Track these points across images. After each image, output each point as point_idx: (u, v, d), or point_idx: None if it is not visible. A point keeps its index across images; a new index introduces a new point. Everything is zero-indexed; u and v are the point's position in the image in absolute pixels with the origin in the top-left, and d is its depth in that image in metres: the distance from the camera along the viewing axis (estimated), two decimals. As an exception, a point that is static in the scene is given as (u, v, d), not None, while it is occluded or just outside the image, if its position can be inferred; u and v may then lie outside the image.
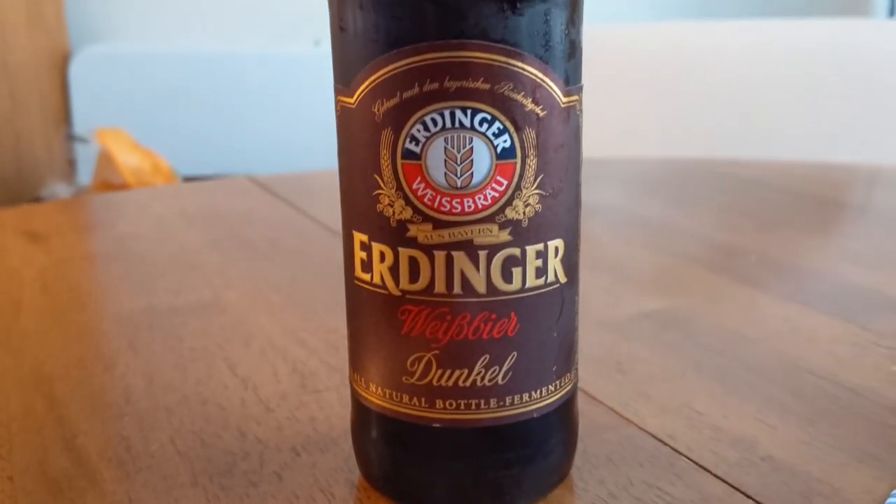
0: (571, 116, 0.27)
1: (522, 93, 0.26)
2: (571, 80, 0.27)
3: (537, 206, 0.27)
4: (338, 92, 0.27)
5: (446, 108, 0.25)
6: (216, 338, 0.44)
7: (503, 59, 0.25)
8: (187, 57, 1.70)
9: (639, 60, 1.26)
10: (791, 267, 0.55)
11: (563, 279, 0.28)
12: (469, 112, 0.25)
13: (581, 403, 0.33)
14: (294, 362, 0.41)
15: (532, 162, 0.26)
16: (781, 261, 0.56)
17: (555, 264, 0.28)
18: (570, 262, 0.28)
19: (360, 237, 0.28)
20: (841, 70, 1.18)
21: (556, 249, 0.27)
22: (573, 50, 0.27)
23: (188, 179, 1.51)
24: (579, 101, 0.28)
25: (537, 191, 0.26)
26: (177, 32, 1.75)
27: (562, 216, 0.27)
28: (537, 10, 0.25)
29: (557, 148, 0.27)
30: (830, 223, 0.67)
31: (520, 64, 0.25)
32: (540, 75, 0.26)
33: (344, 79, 0.27)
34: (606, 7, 1.52)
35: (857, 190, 0.79)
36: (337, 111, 0.28)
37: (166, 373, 0.40)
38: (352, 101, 0.27)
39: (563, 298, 0.28)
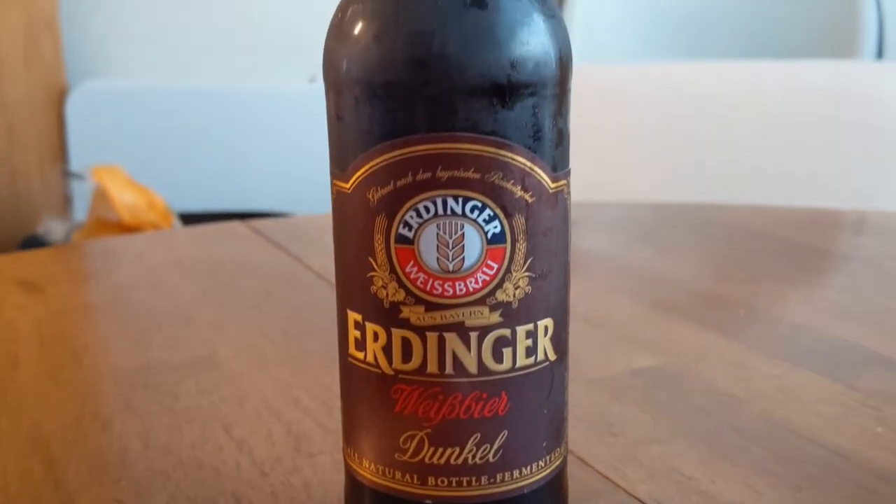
0: (559, 201, 0.28)
1: (512, 181, 0.26)
2: (559, 167, 0.28)
3: (527, 287, 0.27)
4: (334, 176, 0.28)
5: (438, 196, 0.26)
6: (211, 396, 0.44)
7: (493, 150, 0.26)
8: (183, 92, 1.71)
9: (625, 100, 1.27)
10: (779, 321, 0.56)
11: (552, 357, 0.29)
12: (460, 200, 0.26)
13: (572, 468, 0.34)
14: (289, 423, 0.41)
15: (522, 246, 0.27)
16: (770, 314, 0.57)
17: (544, 343, 0.28)
18: (560, 340, 0.29)
19: (354, 316, 0.28)
20: (829, 112, 1.20)
21: (546, 328, 0.28)
22: (560, 138, 0.28)
23: (184, 215, 1.52)
24: (567, 184, 0.28)
25: (527, 273, 0.27)
26: (173, 68, 1.76)
27: (551, 296, 0.28)
28: (526, 103, 0.26)
29: (546, 231, 0.28)
30: (818, 273, 0.68)
31: (509, 154, 0.26)
32: (529, 164, 0.27)
33: (340, 165, 0.28)
34: (593, 44, 1.54)
35: (845, 237, 0.80)
36: (333, 195, 0.28)
37: (162, 434, 0.40)
38: (347, 186, 0.27)
39: (553, 375, 0.29)
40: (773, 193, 1.19)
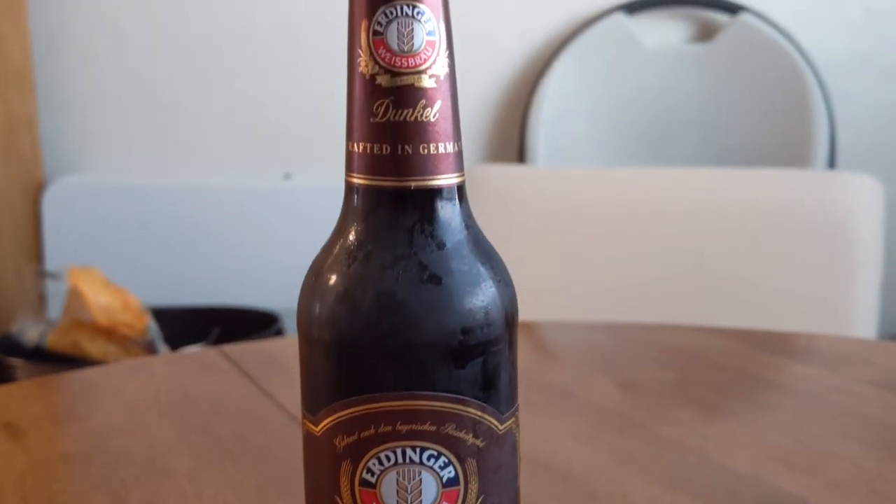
0: (508, 438, 0.31)
1: (465, 430, 0.30)
2: (507, 407, 0.31)
3: (479, 520, 0.30)
4: (305, 417, 0.31)
5: (398, 446, 0.29)
6: (187, 566, 0.46)
7: (448, 405, 0.29)
8: (159, 189, 1.75)
9: (582, 205, 1.32)
10: (726, 470, 0.59)
11: (502, 577, 0.32)
12: (418, 450, 0.29)
13: None
14: None
15: (474, 486, 0.30)
16: (718, 462, 0.60)
17: (495, 566, 0.31)
18: (510, 560, 0.32)
19: (323, 543, 0.31)
20: (782, 221, 1.25)
21: (497, 553, 0.31)
22: (509, 381, 0.31)
23: (159, 310, 1.54)
24: (515, 420, 0.32)
25: (479, 507, 0.30)
26: (150, 165, 1.80)
27: (501, 523, 0.31)
28: (476, 362, 0.30)
29: (496, 469, 0.31)
30: (766, 410, 0.72)
31: (462, 407, 0.30)
32: (479, 413, 0.30)
33: (310, 408, 0.31)
34: (555, 148, 1.60)
35: (794, 368, 0.84)
36: (304, 433, 0.32)
37: None
38: (317, 430, 0.31)
39: None
40: (728, 302, 1.23)
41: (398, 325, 0.29)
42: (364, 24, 0.29)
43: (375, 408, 0.29)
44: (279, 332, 1.55)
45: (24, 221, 1.74)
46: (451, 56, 0.30)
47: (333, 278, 0.30)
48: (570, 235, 1.31)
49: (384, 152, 0.30)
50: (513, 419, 0.31)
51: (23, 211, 1.74)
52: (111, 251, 1.72)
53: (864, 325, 1.22)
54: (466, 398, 0.29)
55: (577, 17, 1.64)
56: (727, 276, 1.25)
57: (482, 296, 0.30)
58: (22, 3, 1.71)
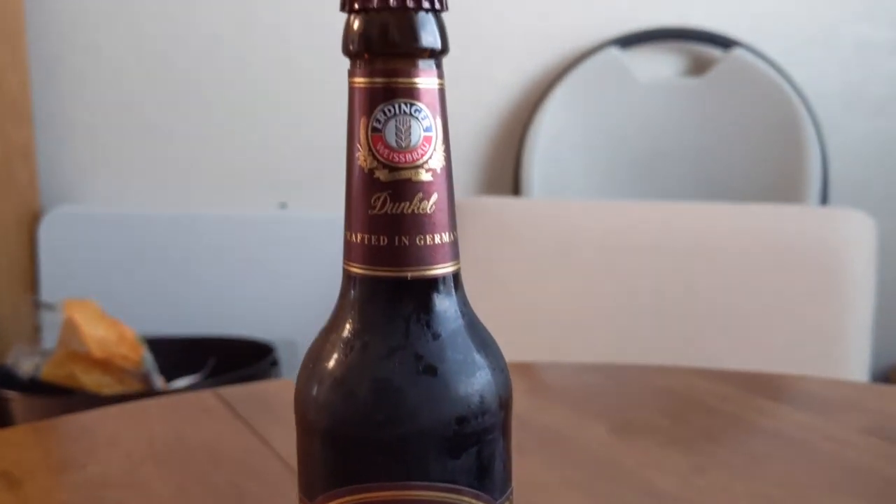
0: (503, 521, 0.32)
1: (459, 520, 0.30)
2: (501, 493, 0.32)
3: None
4: (302, 501, 0.32)
5: (394, 536, 0.30)
6: None
7: (443, 494, 0.30)
8: (155, 218, 1.75)
9: (573, 240, 1.32)
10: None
11: None
12: (414, 538, 0.30)
13: None
14: None
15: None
16: (711, 516, 0.61)
17: None
18: None
19: None
20: (774, 257, 1.26)
21: None
22: (504, 467, 0.32)
23: (153, 340, 1.54)
24: (510, 501, 0.32)
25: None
26: (146, 194, 1.80)
27: None
28: (470, 451, 0.30)
29: (490, 554, 0.31)
30: (757, 461, 0.72)
31: (456, 496, 0.30)
32: (474, 502, 0.30)
33: (307, 493, 0.32)
34: (550, 180, 1.61)
35: (785, 412, 0.85)
36: (302, 519, 0.32)
37: None
38: (314, 516, 0.31)
39: None
40: (720, 335, 1.23)
41: (394, 415, 0.29)
42: (363, 121, 0.30)
43: (371, 497, 0.29)
44: (274, 363, 1.55)
45: (20, 251, 1.75)
46: (447, 150, 0.31)
47: (330, 366, 0.31)
48: (563, 267, 1.32)
49: (382, 243, 0.30)
50: (509, 500, 0.32)
51: (18, 240, 1.74)
52: (106, 280, 1.72)
53: (856, 359, 1.23)
54: (461, 487, 0.30)
55: (571, 50, 1.66)
56: (719, 310, 1.26)
57: (477, 385, 0.30)
58: (20, 32, 1.72)
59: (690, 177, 1.59)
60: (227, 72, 1.74)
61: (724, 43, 1.62)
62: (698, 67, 1.66)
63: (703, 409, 0.81)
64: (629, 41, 1.63)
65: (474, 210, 1.35)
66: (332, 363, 0.31)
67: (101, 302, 1.51)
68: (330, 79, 1.69)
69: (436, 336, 0.30)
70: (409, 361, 0.30)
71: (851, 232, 1.26)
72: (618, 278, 1.30)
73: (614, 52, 1.63)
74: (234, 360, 1.55)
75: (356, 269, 0.31)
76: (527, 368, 0.92)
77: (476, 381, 0.30)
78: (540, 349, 1.31)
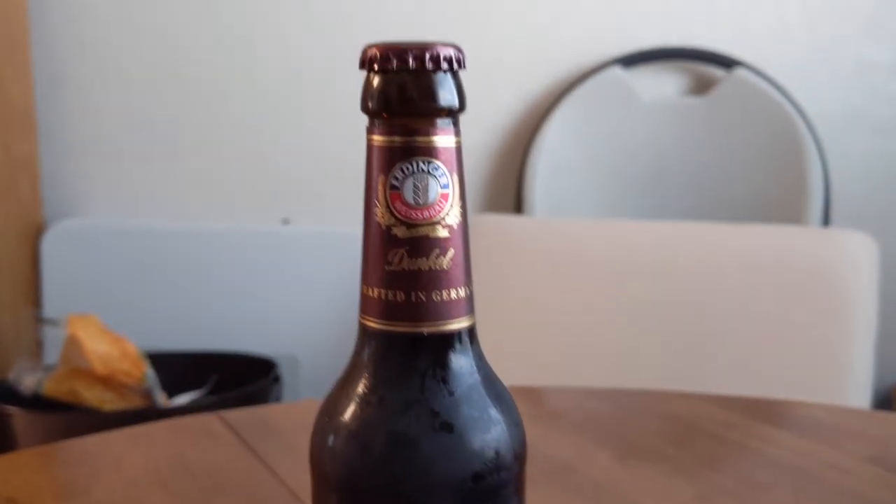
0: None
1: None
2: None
3: None
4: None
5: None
6: None
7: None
8: (158, 232, 1.75)
9: (575, 259, 1.33)
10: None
11: None
12: None
13: None
14: None
15: None
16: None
17: None
18: None
19: None
20: (776, 278, 1.26)
21: None
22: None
23: (155, 355, 1.54)
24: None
25: None
26: (149, 208, 1.81)
27: None
28: (487, 507, 0.30)
29: None
30: (765, 491, 0.72)
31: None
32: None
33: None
34: (546, 198, 1.61)
35: (788, 440, 0.85)
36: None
37: None
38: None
39: None
40: (722, 355, 1.24)
41: (410, 471, 0.29)
42: (381, 179, 0.30)
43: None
44: (276, 380, 1.55)
45: (23, 264, 1.75)
46: (463, 205, 0.31)
47: (347, 420, 0.31)
48: (564, 285, 1.32)
49: (398, 299, 0.31)
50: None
51: (21, 254, 1.74)
52: (109, 294, 1.72)
53: (858, 380, 1.23)
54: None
55: (574, 69, 1.66)
56: (719, 329, 1.26)
57: (494, 442, 0.30)
58: (25, 45, 1.73)
59: (692, 195, 1.60)
60: (231, 86, 1.75)
61: (727, 63, 1.62)
62: (701, 87, 1.67)
63: (707, 437, 0.81)
64: (632, 60, 1.64)
65: (476, 228, 1.34)
66: (348, 417, 0.31)
67: (103, 315, 1.51)
68: (335, 95, 1.70)
69: (452, 392, 0.30)
70: (425, 418, 0.30)
71: (853, 253, 1.27)
72: (619, 296, 1.30)
73: (617, 72, 1.64)
74: (237, 376, 1.56)
75: (372, 324, 0.32)
76: (533, 393, 0.92)
77: (492, 438, 0.30)
78: (540, 367, 1.31)
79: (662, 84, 1.67)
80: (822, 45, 1.67)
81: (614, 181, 1.63)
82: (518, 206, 1.65)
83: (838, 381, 1.23)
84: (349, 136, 1.78)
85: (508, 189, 1.70)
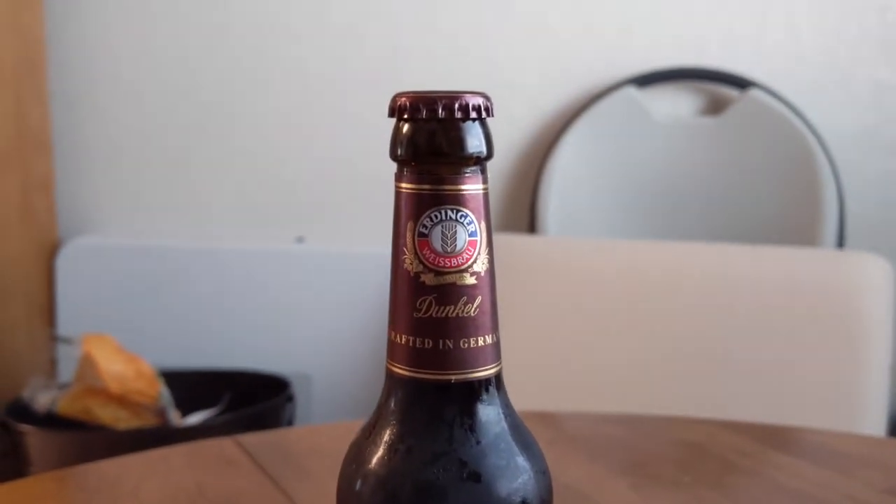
0: None
1: None
2: None
3: None
4: None
5: None
6: None
7: None
8: (172, 251, 1.76)
9: (589, 279, 1.33)
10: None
11: None
12: None
13: None
14: None
15: None
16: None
17: None
18: None
19: None
20: (789, 301, 1.25)
21: None
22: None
23: (169, 373, 1.54)
24: None
25: None
26: (164, 227, 1.81)
27: None
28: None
29: None
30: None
31: None
32: None
33: None
34: (559, 218, 1.61)
35: (802, 468, 0.84)
36: None
37: None
38: None
39: None
40: (735, 379, 1.23)
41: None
42: (410, 226, 0.31)
43: None
44: (290, 399, 1.55)
45: (38, 282, 1.76)
46: (490, 252, 0.31)
47: (373, 468, 0.31)
48: (577, 304, 1.32)
49: (426, 346, 0.31)
50: None
51: (36, 271, 1.75)
52: (123, 312, 1.73)
53: (873, 405, 1.22)
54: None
55: (588, 89, 1.67)
56: (734, 352, 1.25)
57: (521, 491, 0.30)
58: (41, 64, 1.74)
59: (706, 216, 1.59)
60: (245, 106, 1.76)
61: (741, 83, 1.62)
62: (715, 107, 1.67)
63: (723, 465, 0.81)
64: (646, 80, 1.64)
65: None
66: (375, 465, 0.31)
67: (117, 333, 1.52)
68: (349, 114, 1.71)
69: (479, 441, 0.31)
70: (453, 467, 0.30)
71: (868, 276, 1.26)
72: (632, 317, 1.30)
73: (631, 92, 1.64)
74: (250, 394, 1.56)
75: (399, 370, 0.32)
76: (549, 418, 0.92)
77: (519, 486, 0.30)
78: (553, 386, 1.31)
79: (676, 104, 1.67)
80: (837, 66, 1.66)
81: (628, 201, 1.63)
82: (532, 225, 1.65)
83: (852, 407, 1.22)
84: (363, 155, 1.79)
85: (522, 208, 1.70)
